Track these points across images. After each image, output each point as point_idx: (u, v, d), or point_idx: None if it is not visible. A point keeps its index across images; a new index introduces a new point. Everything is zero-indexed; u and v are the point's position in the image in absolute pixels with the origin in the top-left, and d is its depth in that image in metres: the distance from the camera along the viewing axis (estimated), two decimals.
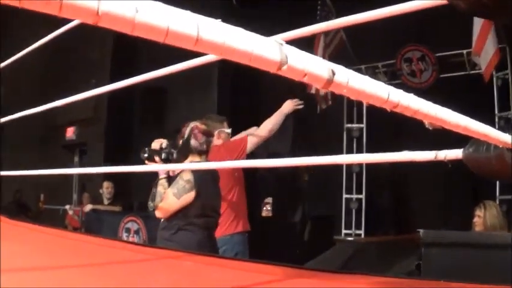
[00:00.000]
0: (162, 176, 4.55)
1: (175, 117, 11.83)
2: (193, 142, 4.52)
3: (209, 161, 4.71)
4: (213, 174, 4.62)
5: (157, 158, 4.57)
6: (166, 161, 4.53)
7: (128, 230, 8.59)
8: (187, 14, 0.73)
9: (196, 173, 4.40)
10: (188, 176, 4.37)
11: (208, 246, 4.36)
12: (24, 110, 4.00)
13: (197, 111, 10.89)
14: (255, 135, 5.52)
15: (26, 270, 2.53)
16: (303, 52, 0.86)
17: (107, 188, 9.80)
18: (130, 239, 8.30)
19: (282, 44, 0.82)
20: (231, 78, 11.70)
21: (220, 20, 0.76)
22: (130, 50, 13.35)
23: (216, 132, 5.29)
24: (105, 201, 9.79)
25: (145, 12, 0.68)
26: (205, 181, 4.44)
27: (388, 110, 1.14)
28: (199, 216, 4.39)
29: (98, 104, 14.12)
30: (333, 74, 0.90)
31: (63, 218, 11.52)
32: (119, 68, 12.96)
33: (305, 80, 0.87)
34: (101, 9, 0.66)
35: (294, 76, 0.86)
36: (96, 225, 9.14)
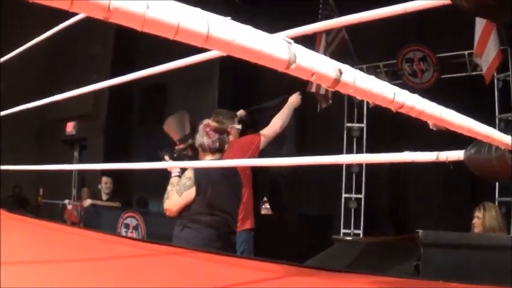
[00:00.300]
0: (174, 174, 4.53)
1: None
2: (205, 140, 4.47)
3: (222, 158, 4.63)
4: (226, 173, 4.51)
5: (166, 157, 4.58)
6: (178, 159, 4.53)
7: (126, 226, 8.59)
8: (197, 11, 0.73)
9: (200, 170, 4.38)
10: (190, 174, 4.34)
11: (216, 246, 4.21)
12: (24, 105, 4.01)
13: (197, 108, 10.92)
14: (265, 133, 5.50)
15: (26, 263, 2.53)
16: (311, 51, 0.87)
17: (105, 184, 9.78)
18: (129, 235, 8.30)
19: (290, 43, 0.83)
20: (231, 75, 11.71)
21: (229, 18, 0.77)
22: (131, 46, 13.37)
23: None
24: (104, 197, 9.77)
25: (156, 9, 0.69)
26: (209, 179, 4.36)
27: (394, 110, 1.14)
28: (203, 214, 4.32)
29: (98, 100, 14.14)
30: (340, 73, 0.90)
31: (62, 213, 11.54)
32: (120, 65, 12.96)
33: (313, 79, 0.87)
34: (112, 5, 0.66)
35: (302, 75, 0.87)
36: (95, 221, 9.14)
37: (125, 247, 3.55)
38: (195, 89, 12.13)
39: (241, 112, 5.94)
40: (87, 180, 13.45)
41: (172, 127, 4.79)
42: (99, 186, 9.94)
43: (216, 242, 4.31)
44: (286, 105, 5.61)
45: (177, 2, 0.71)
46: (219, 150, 4.52)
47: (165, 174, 4.65)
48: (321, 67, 0.87)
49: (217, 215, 4.38)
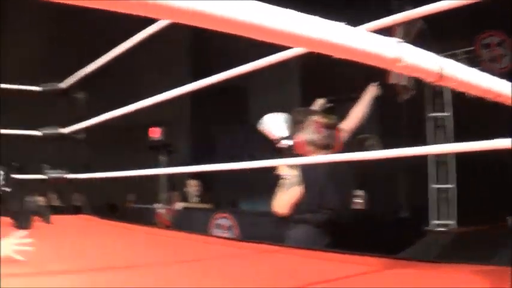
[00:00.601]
0: (284, 176, 4.49)
1: (258, 115, 11.86)
2: (316, 137, 4.42)
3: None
4: (332, 169, 4.39)
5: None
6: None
7: (219, 226, 8.64)
8: (308, 16, 0.76)
9: (306, 168, 4.34)
10: (295, 172, 4.33)
11: (323, 244, 4.14)
12: (107, 113, 4.14)
13: (279, 107, 10.94)
14: (346, 127, 5.50)
15: (127, 268, 2.61)
16: (417, 48, 0.90)
17: (194, 186, 9.91)
18: (223, 236, 8.35)
19: (398, 42, 0.86)
20: (312, 73, 11.68)
21: (346, 23, 0.80)
22: (209, 51, 13.51)
23: None
24: (194, 199, 9.91)
25: (273, 19, 0.72)
26: (315, 176, 4.34)
27: (492, 99, 1.16)
28: (309, 212, 4.29)
29: (181, 104, 14.33)
30: (444, 68, 0.93)
31: (152, 217, 11.72)
32: (199, 68, 13.11)
33: (418, 75, 0.90)
34: (217, 14, 0.70)
35: (407, 72, 0.90)
36: (187, 223, 9.23)
37: (221, 247, 3.62)
38: (275, 87, 12.16)
39: (321, 101, 5.92)
40: (176, 184, 13.64)
41: (270, 126, 4.78)
42: (185, 190, 10.07)
43: (323, 239, 4.25)
44: (364, 98, 5.58)
45: (292, 10, 0.75)
46: (329, 146, 4.46)
47: (256, 176, 4.63)
48: (425, 63, 0.90)
49: (324, 212, 4.32)
